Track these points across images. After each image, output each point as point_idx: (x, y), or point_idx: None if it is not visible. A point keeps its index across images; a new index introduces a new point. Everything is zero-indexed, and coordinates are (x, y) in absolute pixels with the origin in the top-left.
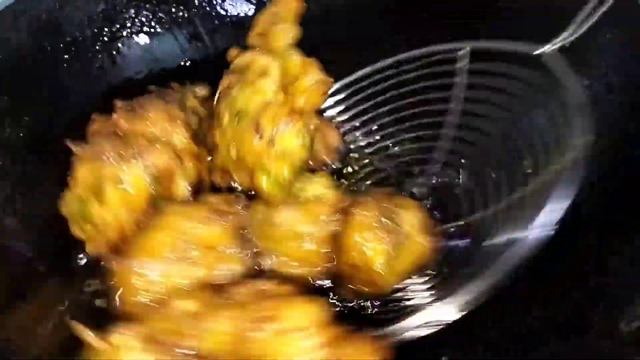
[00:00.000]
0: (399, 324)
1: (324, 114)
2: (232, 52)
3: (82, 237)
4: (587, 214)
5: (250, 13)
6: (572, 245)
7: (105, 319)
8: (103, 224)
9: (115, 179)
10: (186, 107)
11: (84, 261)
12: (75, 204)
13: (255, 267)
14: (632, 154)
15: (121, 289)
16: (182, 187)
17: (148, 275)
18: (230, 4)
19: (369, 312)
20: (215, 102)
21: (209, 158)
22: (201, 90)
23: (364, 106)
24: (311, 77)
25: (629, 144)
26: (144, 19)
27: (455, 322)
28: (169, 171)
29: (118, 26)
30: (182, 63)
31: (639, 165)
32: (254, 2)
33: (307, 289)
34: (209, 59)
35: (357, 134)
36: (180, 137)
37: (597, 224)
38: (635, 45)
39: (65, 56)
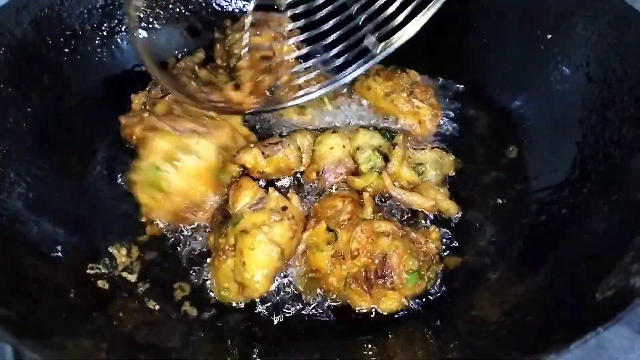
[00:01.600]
0: None
1: None
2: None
3: (147, 203)
4: (566, 196)
5: (245, 8)
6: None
7: (109, 300)
8: (173, 191)
9: (191, 151)
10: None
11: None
12: (148, 172)
13: None
14: (611, 139)
15: None
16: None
17: None
18: (225, 0)
19: None
20: None
21: None
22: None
23: None
24: None
25: (607, 127)
26: (142, 15)
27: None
28: (229, 149)
29: (117, 21)
30: (180, 57)
31: (616, 148)
32: None
33: None
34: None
35: None
36: (236, 119)
37: (574, 206)
38: (614, 37)
39: (66, 49)
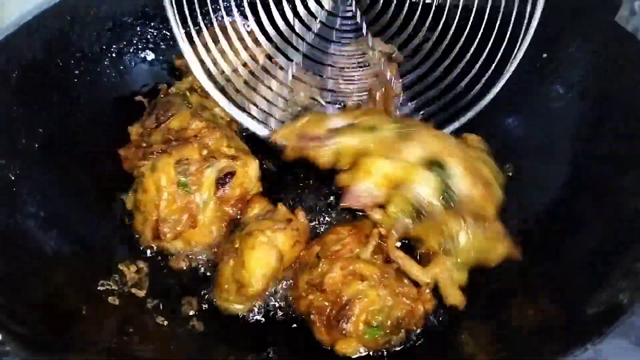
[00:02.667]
0: None
1: None
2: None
3: (140, 230)
4: (559, 212)
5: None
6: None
7: (119, 316)
8: (145, 209)
9: (152, 169)
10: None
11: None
12: (131, 198)
13: None
14: (603, 156)
15: None
16: (209, 177)
17: None
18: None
19: None
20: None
21: None
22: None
23: None
24: None
25: (600, 145)
26: (149, 37)
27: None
28: (199, 164)
29: (125, 42)
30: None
31: (608, 166)
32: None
33: None
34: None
35: None
36: (214, 139)
37: (566, 222)
38: (607, 57)
39: (76, 71)
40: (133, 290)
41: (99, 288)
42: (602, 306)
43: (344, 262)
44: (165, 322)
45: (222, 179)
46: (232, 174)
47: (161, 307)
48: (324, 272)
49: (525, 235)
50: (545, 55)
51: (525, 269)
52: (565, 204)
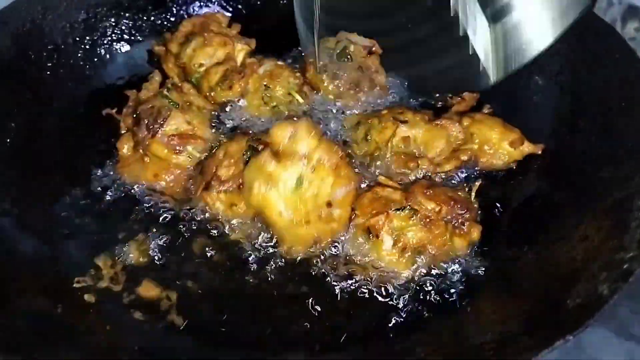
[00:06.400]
0: None
1: None
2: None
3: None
4: (538, 205)
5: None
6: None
7: (91, 311)
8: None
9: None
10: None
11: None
12: None
13: None
14: (582, 148)
15: None
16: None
17: None
18: (206, 7)
19: None
20: None
21: None
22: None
23: None
24: None
25: (579, 137)
26: (124, 27)
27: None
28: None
29: (99, 34)
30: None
31: (586, 157)
32: (230, 10)
33: None
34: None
35: None
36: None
37: (545, 216)
38: (584, 48)
39: (49, 64)
40: (109, 285)
41: (74, 285)
42: (582, 298)
43: (416, 187)
44: (143, 318)
45: None
46: None
47: (138, 302)
48: (420, 207)
49: (505, 228)
50: None
51: (505, 262)
52: (544, 197)
